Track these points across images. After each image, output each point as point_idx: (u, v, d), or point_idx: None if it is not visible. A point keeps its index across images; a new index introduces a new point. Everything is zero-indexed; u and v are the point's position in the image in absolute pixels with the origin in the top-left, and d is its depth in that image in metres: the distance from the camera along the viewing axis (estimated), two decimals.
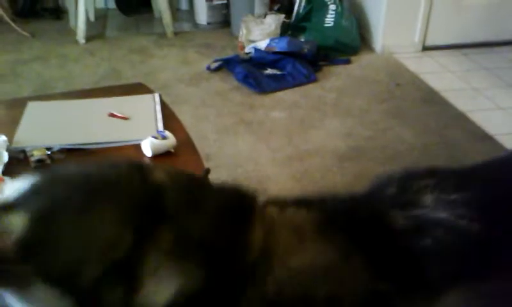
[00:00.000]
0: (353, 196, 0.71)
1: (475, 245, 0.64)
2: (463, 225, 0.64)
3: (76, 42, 3.83)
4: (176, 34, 3.95)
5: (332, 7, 3.53)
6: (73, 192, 0.54)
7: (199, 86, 3.14)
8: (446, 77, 3.32)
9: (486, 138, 2.57)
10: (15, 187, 0.54)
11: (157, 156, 1.29)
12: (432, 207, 0.65)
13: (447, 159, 2.38)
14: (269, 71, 3.15)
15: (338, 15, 3.52)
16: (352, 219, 0.63)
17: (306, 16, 3.62)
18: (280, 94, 3.02)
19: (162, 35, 3.92)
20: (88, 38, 3.86)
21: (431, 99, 3.02)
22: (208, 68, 3.28)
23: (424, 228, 0.63)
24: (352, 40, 3.56)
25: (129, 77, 3.23)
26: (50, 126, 1.44)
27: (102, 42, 3.91)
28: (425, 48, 3.67)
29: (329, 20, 3.51)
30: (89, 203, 0.53)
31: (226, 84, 3.13)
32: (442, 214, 0.65)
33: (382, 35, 3.59)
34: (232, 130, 2.66)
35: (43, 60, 3.59)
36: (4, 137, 1.30)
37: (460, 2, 3.54)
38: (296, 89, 3.07)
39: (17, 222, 0.50)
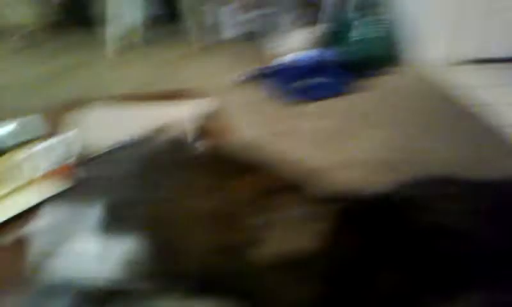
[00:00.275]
0: (377, 193, 0.78)
1: (483, 254, 0.70)
2: (472, 231, 0.71)
3: (110, 52, 3.96)
4: (205, 46, 4.04)
5: (365, 19, 3.57)
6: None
7: (229, 97, 3.22)
8: (480, 91, 3.32)
9: None
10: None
11: None
12: (447, 212, 0.74)
13: (480, 174, 2.39)
14: (299, 82, 3.18)
15: (372, 27, 3.58)
16: (374, 214, 0.70)
17: (338, 28, 3.70)
18: (311, 106, 3.07)
19: (192, 47, 4.00)
20: (122, 49, 3.97)
21: (465, 113, 3.04)
22: (238, 80, 3.33)
23: (438, 230, 0.71)
24: (386, 53, 3.59)
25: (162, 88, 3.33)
26: (105, 127, 1.60)
27: (135, 53, 4.00)
28: (460, 63, 3.66)
29: (363, 32, 3.58)
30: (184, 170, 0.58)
31: (256, 95, 3.19)
32: (454, 219, 0.73)
33: (416, 48, 3.62)
34: (263, 142, 2.73)
35: (78, 70, 3.71)
36: (73, 132, 1.45)
37: (496, 17, 3.50)
38: (328, 100, 3.11)
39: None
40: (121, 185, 0.61)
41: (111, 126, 1.62)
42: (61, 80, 3.54)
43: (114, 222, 0.57)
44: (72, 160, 1.35)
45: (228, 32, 4.19)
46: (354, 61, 3.43)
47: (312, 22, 3.81)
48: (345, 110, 3.07)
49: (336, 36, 3.67)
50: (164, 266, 0.53)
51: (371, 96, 3.21)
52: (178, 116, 1.64)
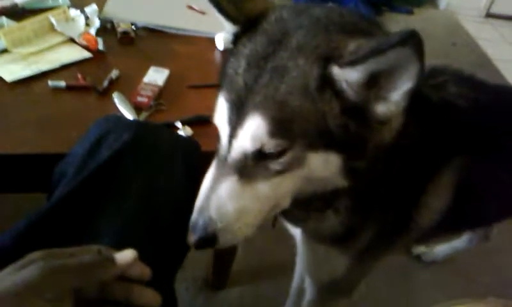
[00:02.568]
0: None
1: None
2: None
3: None
4: None
5: None
6: None
7: None
8: (503, 47, 3.30)
9: None
10: None
11: None
12: (454, 95, 0.82)
13: None
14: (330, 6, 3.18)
15: None
16: None
17: None
18: None
19: None
20: None
21: (484, 65, 3.04)
22: None
23: (446, 105, 0.80)
24: None
25: None
26: (135, 5, 1.57)
27: None
28: (489, 15, 3.62)
29: None
30: None
31: None
32: (460, 102, 0.81)
33: None
34: None
35: None
36: (95, 6, 1.45)
37: None
38: None
39: None
40: None
41: (134, 3, 1.60)
42: None
43: None
44: (92, 31, 1.37)
45: None
46: None
47: None
48: None
49: None
50: None
51: (395, 31, 3.23)
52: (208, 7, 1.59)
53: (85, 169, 0.72)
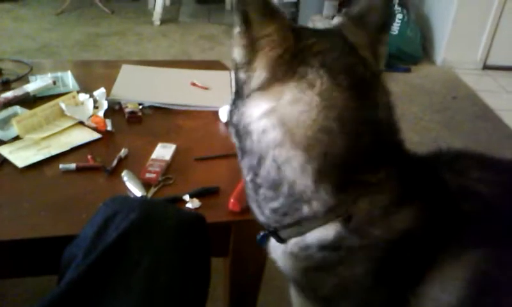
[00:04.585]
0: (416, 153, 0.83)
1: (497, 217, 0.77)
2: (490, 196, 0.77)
3: (151, 23, 4.10)
4: None
5: (399, 16, 3.61)
6: None
7: None
8: (504, 97, 3.35)
9: None
10: None
11: None
12: (475, 180, 0.79)
13: None
14: None
15: (404, 25, 3.60)
16: (412, 168, 0.77)
17: None
18: None
19: (232, 26, 4.12)
20: (162, 21, 4.12)
21: (487, 116, 3.07)
22: None
23: (464, 192, 0.77)
24: (415, 50, 3.64)
25: (198, 60, 3.44)
26: (141, 86, 1.64)
27: (174, 26, 4.16)
28: (487, 67, 3.69)
29: (395, 28, 3.59)
30: None
31: None
32: (481, 188, 0.78)
33: (444, 49, 3.65)
34: None
35: (121, 36, 3.87)
36: (103, 89, 1.51)
37: None
38: None
39: None
40: None
41: (140, 84, 1.67)
42: (101, 44, 3.68)
43: None
44: (101, 113, 1.43)
45: None
46: (388, 54, 3.44)
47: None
48: None
49: None
50: None
51: (394, 89, 3.21)
52: (211, 82, 1.67)
53: (93, 251, 0.73)
